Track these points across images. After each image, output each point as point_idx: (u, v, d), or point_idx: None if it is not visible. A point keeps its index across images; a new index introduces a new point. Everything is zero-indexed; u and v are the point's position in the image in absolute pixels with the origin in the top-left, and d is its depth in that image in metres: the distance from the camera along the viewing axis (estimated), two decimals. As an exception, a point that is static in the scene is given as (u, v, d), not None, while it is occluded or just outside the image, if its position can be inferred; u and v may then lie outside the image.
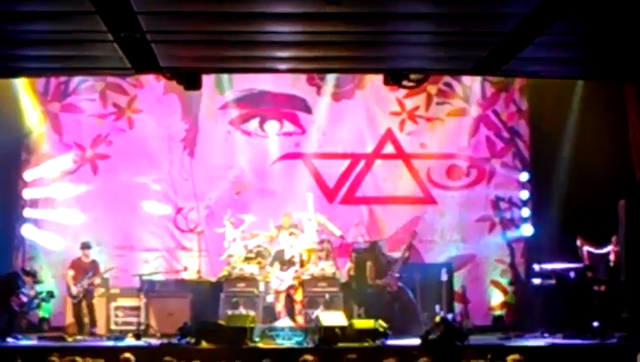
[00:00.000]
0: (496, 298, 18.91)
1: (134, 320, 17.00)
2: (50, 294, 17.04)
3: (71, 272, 16.99)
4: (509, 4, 11.19)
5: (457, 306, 18.01)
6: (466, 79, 18.99)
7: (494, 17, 11.58)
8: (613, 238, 16.36)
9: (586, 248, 16.79)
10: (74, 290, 16.81)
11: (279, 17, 11.66)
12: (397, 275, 17.03)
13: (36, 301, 16.84)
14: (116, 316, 17.40)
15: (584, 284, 16.55)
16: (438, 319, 15.69)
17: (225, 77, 18.67)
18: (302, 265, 16.78)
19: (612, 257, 16.40)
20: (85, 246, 17.19)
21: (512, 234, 19.10)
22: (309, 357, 10.44)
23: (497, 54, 12.84)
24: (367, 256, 17.50)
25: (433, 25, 12.04)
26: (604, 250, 16.64)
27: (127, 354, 11.64)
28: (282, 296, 16.59)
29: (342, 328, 15.25)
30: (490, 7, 11.26)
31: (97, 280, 17.06)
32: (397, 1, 11.16)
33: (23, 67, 14.75)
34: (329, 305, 16.45)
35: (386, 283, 17.05)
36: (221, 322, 15.71)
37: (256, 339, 15.28)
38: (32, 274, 16.94)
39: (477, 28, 12.01)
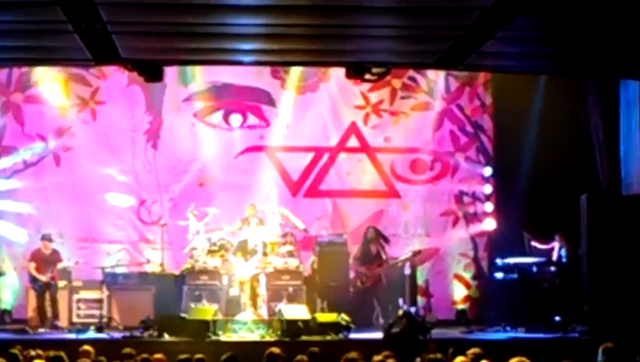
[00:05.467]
0: (459, 292, 18.95)
1: (97, 312, 16.88)
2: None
3: (32, 264, 16.88)
4: (470, -3, 11.21)
5: (420, 300, 18.08)
6: (431, 73, 18.98)
7: (456, 11, 11.55)
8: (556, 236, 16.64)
9: (533, 243, 16.96)
10: (43, 278, 16.68)
11: (242, 9, 11.60)
12: (383, 280, 17.11)
13: None
14: (78, 308, 17.31)
15: (546, 278, 16.68)
16: (400, 313, 15.75)
17: (188, 69, 18.55)
18: (265, 256, 16.73)
19: (562, 252, 16.65)
20: (46, 238, 17.09)
21: (475, 228, 19.14)
22: (275, 350, 10.38)
23: (459, 48, 12.84)
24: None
25: (395, 18, 12.03)
26: (550, 246, 16.81)
27: (87, 347, 11.56)
28: (246, 287, 16.46)
29: (304, 321, 15.26)
30: (451, 1, 11.27)
31: (60, 265, 16.93)
32: (359, -6, 11.16)
33: (-19, 58, 14.64)
34: (292, 298, 16.43)
35: (365, 274, 17.07)
36: (184, 315, 15.70)
37: (219, 332, 15.27)
38: None
39: (439, 21, 11.99)
